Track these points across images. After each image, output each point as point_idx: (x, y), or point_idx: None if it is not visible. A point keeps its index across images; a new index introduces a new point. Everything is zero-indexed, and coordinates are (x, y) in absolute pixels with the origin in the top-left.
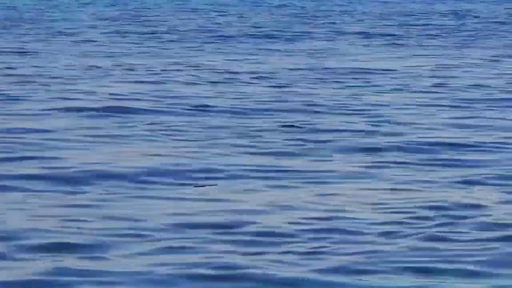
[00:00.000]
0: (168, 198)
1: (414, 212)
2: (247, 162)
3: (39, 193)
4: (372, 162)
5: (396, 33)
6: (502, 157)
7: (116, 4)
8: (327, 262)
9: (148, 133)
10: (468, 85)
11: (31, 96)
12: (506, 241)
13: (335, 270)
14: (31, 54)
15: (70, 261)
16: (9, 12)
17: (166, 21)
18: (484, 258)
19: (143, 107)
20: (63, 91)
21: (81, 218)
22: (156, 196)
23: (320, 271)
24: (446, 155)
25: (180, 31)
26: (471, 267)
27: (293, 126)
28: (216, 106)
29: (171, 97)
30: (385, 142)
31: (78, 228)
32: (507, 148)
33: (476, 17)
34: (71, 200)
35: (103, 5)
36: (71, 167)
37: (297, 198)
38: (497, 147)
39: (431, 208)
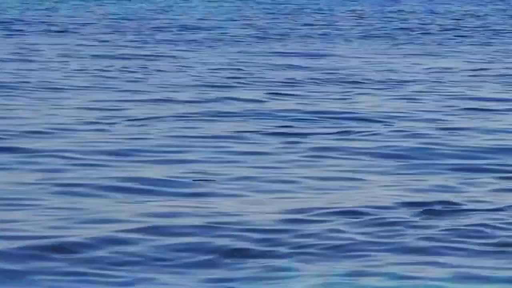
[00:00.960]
0: (164, 200)
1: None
2: (245, 165)
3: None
4: (370, 165)
5: (394, 33)
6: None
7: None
8: (324, 261)
9: (149, 135)
10: (465, 85)
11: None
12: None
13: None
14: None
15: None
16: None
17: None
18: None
19: (141, 109)
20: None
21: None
22: (149, 199)
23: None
24: (443, 157)
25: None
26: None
27: (289, 127)
28: (216, 109)
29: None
30: (381, 145)
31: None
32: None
33: (475, 16)
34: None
35: (106, 2)
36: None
37: (294, 196)
38: (494, 148)
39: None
